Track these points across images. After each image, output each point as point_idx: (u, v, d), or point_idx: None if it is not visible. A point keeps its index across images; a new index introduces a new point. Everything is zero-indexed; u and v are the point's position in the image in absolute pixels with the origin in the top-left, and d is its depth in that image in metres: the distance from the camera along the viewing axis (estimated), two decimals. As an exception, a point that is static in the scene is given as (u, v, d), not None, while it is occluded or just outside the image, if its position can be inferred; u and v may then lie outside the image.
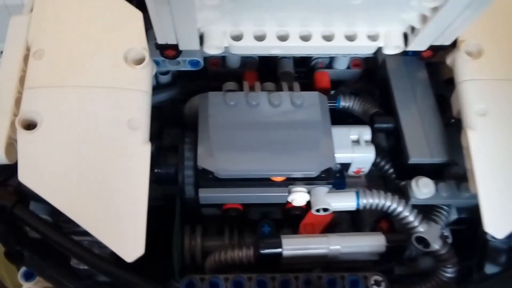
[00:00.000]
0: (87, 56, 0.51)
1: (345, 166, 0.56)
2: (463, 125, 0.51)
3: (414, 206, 0.53)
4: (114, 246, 0.44)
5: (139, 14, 0.52)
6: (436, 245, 0.52)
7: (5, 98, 0.48)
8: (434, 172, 0.54)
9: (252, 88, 0.57)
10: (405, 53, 0.55)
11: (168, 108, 0.65)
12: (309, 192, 0.53)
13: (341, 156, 0.54)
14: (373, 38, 0.53)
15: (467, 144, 0.50)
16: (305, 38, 0.53)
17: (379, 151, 0.56)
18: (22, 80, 0.50)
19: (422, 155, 0.54)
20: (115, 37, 0.52)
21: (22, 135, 0.47)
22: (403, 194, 0.54)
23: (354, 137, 0.55)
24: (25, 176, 0.45)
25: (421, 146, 0.54)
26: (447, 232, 0.57)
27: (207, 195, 0.53)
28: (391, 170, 0.59)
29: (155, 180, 0.53)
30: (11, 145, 0.47)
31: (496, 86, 0.52)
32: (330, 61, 0.64)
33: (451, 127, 0.56)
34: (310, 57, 0.64)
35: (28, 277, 0.52)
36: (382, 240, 0.53)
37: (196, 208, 0.56)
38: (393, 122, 0.56)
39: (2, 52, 0.52)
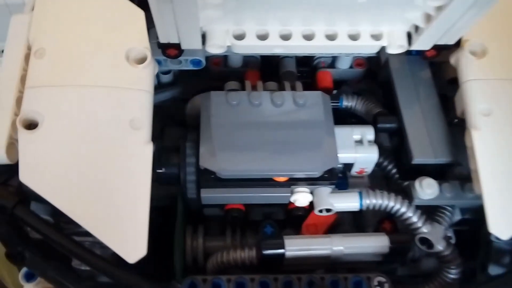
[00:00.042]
0: (89, 55, 0.50)
1: (348, 166, 0.56)
2: (467, 125, 0.51)
3: (418, 207, 0.53)
4: (116, 247, 0.43)
5: (141, 13, 0.52)
6: (439, 246, 0.52)
7: (6, 97, 0.48)
8: (438, 172, 0.54)
9: (254, 88, 0.56)
10: (408, 53, 0.55)
11: (169, 107, 0.64)
12: (311, 193, 0.53)
13: (344, 156, 0.53)
14: (376, 37, 0.53)
15: (471, 144, 0.49)
16: (308, 37, 0.52)
17: (382, 151, 0.56)
18: (23, 79, 0.49)
19: (426, 155, 0.53)
20: (116, 36, 0.51)
21: (23, 135, 0.46)
22: (406, 194, 0.54)
23: (357, 137, 0.55)
24: (26, 176, 0.45)
25: (425, 146, 0.54)
26: (450, 233, 0.57)
27: (209, 195, 0.53)
28: (394, 170, 0.58)
29: (156, 180, 0.53)
30: (12, 145, 0.47)
31: (500, 86, 0.52)
32: (333, 61, 0.64)
33: (455, 127, 0.56)
34: (313, 57, 0.64)
35: (29, 277, 0.52)
36: (385, 241, 0.53)
37: (198, 208, 0.56)
38: (396, 122, 0.56)
39: (3, 51, 0.52)
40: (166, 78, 0.64)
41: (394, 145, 0.60)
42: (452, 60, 0.54)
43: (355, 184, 0.58)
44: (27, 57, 0.51)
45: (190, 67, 0.58)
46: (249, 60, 0.63)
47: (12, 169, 0.46)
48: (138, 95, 0.49)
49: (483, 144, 0.49)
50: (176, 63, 0.57)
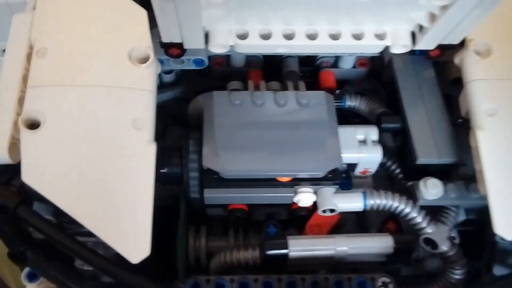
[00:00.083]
0: (91, 54, 0.50)
1: (352, 166, 0.56)
2: (472, 125, 0.50)
3: (422, 207, 0.53)
4: (119, 247, 0.43)
5: (143, 12, 0.52)
6: (444, 247, 0.52)
7: (8, 97, 0.48)
8: (442, 172, 0.54)
9: (257, 88, 0.56)
10: (412, 52, 0.55)
11: (171, 107, 0.64)
12: (315, 193, 0.53)
13: (347, 156, 0.53)
14: (380, 37, 0.53)
15: (476, 145, 0.49)
16: (312, 36, 0.52)
17: (385, 151, 0.55)
18: (25, 79, 0.49)
19: (430, 156, 0.53)
20: (119, 35, 0.51)
21: (25, 135, 0.46)
22: (410, 194, 0.53)
23: (360, 137, 0.55)
24: (28, 176, 0.45)
25: (429, 146, 0.53)
26: (454, 233, 0.56)
27: (212, 195, 0.53)
28: (398, 171, 0.58)
29: (158, 180, 0.53)
30: (14, 145, 0.46)
31: (505, 86, 0.51)
32: (336, 60, 0.64)
33: (458, 127, 0.55)
34: (315, 56, 0.64)
35: (31, 278, 0.52)
36: (390, 241, 0.53)
37: (200, 208, 0.56)
38: (400, 122, 0.56)
39: (4, 51, 0.52)
40: (168, 78, 0.64)
41: (397, 145, 0.60)
42: (457, 60, 0.54)
43: (358, 184, 0.57)
44: (29, 57, 0.50)
45: (193, 67, 0.58)
46: (251, 60, 0.63)
47: (14, 169, 0.46)
48: (141, 95, 0.49)
49: (488, 144, 0.48)
50: (178, 62, 0.57)
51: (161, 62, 0.55)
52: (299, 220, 0.57)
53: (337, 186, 0.53)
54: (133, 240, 0.44)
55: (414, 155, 0.53)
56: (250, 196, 0.53)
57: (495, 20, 0.53)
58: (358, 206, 0.53)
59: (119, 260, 0.44)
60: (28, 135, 0.46)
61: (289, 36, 0.52)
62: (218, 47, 0.52)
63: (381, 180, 0.60)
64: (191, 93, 0.61)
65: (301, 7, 0.49)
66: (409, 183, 0.55)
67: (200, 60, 0.56)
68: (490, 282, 0.51)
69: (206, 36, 0.52)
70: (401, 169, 0.58)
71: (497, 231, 0.46)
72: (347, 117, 0.59)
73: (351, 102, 0.60)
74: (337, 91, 0.63)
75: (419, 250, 0.55)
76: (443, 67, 0.60)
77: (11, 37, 0.52)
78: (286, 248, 0.51)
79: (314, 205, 0.54)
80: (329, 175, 0.52)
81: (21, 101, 0.48)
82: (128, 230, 0.44)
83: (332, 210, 0.53)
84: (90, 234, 0.44)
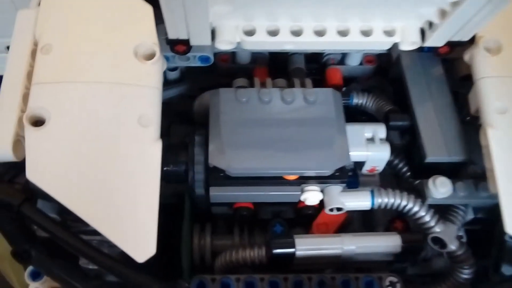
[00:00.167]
0: (96, 51, 0.49)
1: (359, 164, 0.55)
2: (483, 123, 0.50)
3: (430, 206, 0.52)
4: (125, 246, 0.43)
5: (149, 8, 0.51)
6: (453, 246, 0.51)
7: (12, 94, 0.47)
8: (451, 171, 0.53)
9: (263, 85, 0.56)
10: (420, 49, 0.54)
11: (175, 104, 0.64)
12: (322, 191, 0.52)
13: (355, 154, 0.53)
14: (389, 33, 0.52)
15: (486, 143, 0.48)
16: (320, 33, 0.51)
17: (392, 149, 0.55)
18: (29, 75, 0.48)
19: (439, 154, 0.52)
20: (125, 31, 0.50)
21: (30, 132, 0.46)
22: (418, 193, 0.53)
23: (368, 134, 0.54)
24: (33, 174, 0.44)
25: (438, 144, 0.53)
26: (461, 232, 0.56)
27: (218, 193, 0.52)
28: (405, 169, 0.57)
29: (163, 178, 0.52)
30: (19, 142, 0.46)
31: (515, 84, 0.51)
32: (342, 57, 0.63)
33: (467, 125, 0.55)
34: (322, 53, 0.63)
35: (35, 276, 0.52)
36: (398, 240, 0.52)
37: (206, 206, 0.55)
38: (408, 119, 0.55)
39: (8, 47, 0.51)
40: (173, 75, 0.63)
41: (404, 143, 0.59)
42: (466, 57, 0.53)
43: (365, 182, 0.57)
44: (33, 53, 0.50)
45: (198, 64, 0.57)
46: (257, 57, 0.62)
47: (18, 166, 0.46)
48: (147, 92, 0.48)
49: (499, 142, 0.48)
50: (184, 59, 0.56)
51: (167, 59, 0.55)
52: (305, 219, 0.56)
53: (344, 185, 0.52)
54: (139, 239, 0.43)
55: (422, 153, 0.53)
56: (256, 194, 0.52)
57: (506, 16, 0.52)
58: (366, 205, 0.52)
59: (124, 258, 0.44)
60: (33, 132, 0.45)
61: (296, 33, 0.51)
62: (224, 44, 0.52)
63: (387, 178, 0.59)
64: (196, 91, 0.61)
65: (309, 3, 0.49)
66: (417, 182, 0.55)
67: (206, 57, 0.56)
68: (500, 281, 0.51)
69: (213, 33, 0.51)
70: (408, 167, 0.57)
71: (508, 230, 0.46)
72: (353, 115, 0.58)
73: (358, 100, 0.60)
74: (344, 89, 0.62)
75: (427, 249, 0.55)
76: (451, 64, 0.59)
77: (16, 34, 0.51)
78: (293, 247, 0.51)
79: (321, 204, 0.53)
80: (337, 173, 0.51)
81: (25, 98, 0.47)
82: (134, 228, 0.44)
83: (339, 209, 0.52)
84: (95, 232, 0.44)
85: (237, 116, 0.52)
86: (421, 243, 0.53)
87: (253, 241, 0.56)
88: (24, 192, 0.46)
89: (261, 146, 0.50)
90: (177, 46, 0.52)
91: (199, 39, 0.50)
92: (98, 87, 0.48)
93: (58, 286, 0.50)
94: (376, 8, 0.49)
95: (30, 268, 0.52)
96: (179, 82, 0.64)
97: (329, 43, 0.52)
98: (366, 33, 0.52)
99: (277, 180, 0.51)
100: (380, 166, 0.55)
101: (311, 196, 0.52)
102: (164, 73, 0.60)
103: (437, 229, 0.51)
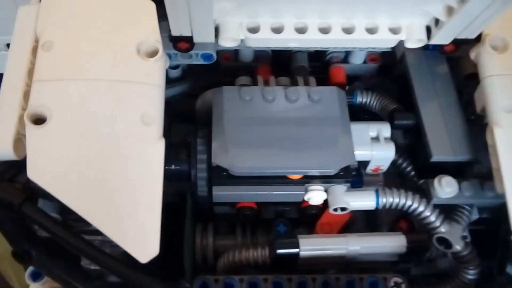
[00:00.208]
0: (98, 48, 0.49)
1: (363, 163, 0.54)
2: (489, 122, 0.49)
3: (435, 206, 0.52)
4: (128, 246, 0.42)
5: (152, 5, 0.50)
6: (458, 246, 0.51)
7: (13, 91, 0.46)
8: (456, 170, 0.53)
9: (266, 83, 0.55)
10: (425, 47, 0.54)
11: (178, 103, 0.63)
12: (326, 191, 0.52)
13: (360, 154, 0.52)
14: (394, 31, 0.51)
15: (493, 142, 0.48)
16: (324, 30, 0.51)
17: (396, 149, 0.54)
18: (30, 72, 0.48)
19: (445, 153, 0.52)
20: (127, 28, 0.50)
21: (31, 130, 0.45)
22: (423, 193, 0.52)
23: (373, 133, 0.53)
24: (34, 173, 0.43)
25: (444, 143, 0.52)
26: (465, 232, 0.55)
27: (221, 193, 0.51)
28: (409, 168, 0.57)
29: (165, 177, 0.52)
30: (20, 141, 0.45)
31: (522, 82, 0.50)
32: (346, 56, 0.63)
33: (472, 123, 0.54)
34: (325, 52, 0.63)
35: (35, 277, 0.51)
36: (403, 240, 0.52)
37: (208, 206, 0.55)
38: (413, 118, 0.55)
39: (8, 45, 0.51)
40: (174, 73, 0.63)
41: (409, 143, 0.59)
42: (472, 55, 0.53)
43: (369, 182, 0.56)
44: (34, 50, 0.49)
45: (201, 62, 0.56)
46: (260, 55, 0.61)
47: (19, 165, 0.45)
48: (150, 90, 0.48)
49: (505, 141, 0.47)
50: (186, 57, 0.55)
51: (169, 56, 0.54)
52: (309, 219, 0.56)
53: (348, 184, 0.52)
54: (142, 239, 0.43)
55: (428, 153, 0.52)
56: (260, 194, 0.52)
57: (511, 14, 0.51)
58: (370, 205, 0.52)
59: (125, 259, 0.43)
60: (34, 130, 0.45)
61: (301, 30, 0.51)
62: (228, 41, 0.51)
63: (391, 178, 0.59)
64: (198, 89, 0.61)
65: (313, 0, 0.48)
66: (421, 181, 0.54)
67: (208, 54, 0.55)
68: (507, 282, 0.50)
69: (216, 30, 0.50)
70: (412, 166, 0.57)
71: (515, 230, 0.46)
72: (356, 113, 0.58)
73: (362, 98, 0.59)
74: (347, 87, 0.61)
75: (432, 250, 0.54)
76: (456, 63, 0.59)
77: (16, 30, 0.50)
78: (297, 247, 0.51)
79: (325, 203, 0.53)
80: (341, 173, 0.50)
81: (26, 95, 0.47)
82: (137, 228, 0.43)
83: (343, 209, 0.52)
84: (97, 232, 0.43)
85: (240, 114, 0.51)
86: (426, 244, 0.52)
87: (255, 241, 0.56)
88: (25, 191, 0.46)
89: (265, 145, 0.50)
90: (180, 43, 0.51)
91: (203, 36, 0.49)
92: (100, 85, 0.47)
93: (59, 286, 0.49)
94: (381, 5, 0.49)
95: (30, 268, 0.51)
96: (180, 81, 0.63)
97: (334, 41, 0.52)
98: (371, 31, 0.51)
99: (281, 180, 0.51)
100: (385, 166, 0.55)
101: (315, 195, 0.51)
102: (166, 71, 0.60)
103: (442, 229, 0.51)
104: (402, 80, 0.58)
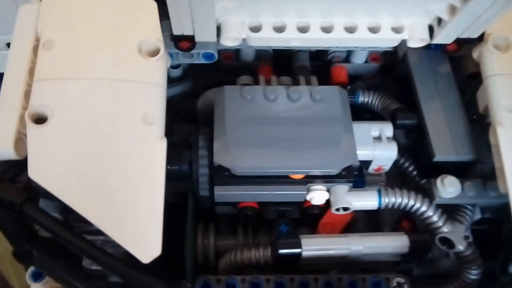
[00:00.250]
0: (99, 47, 0.48)
1: (366, 163, 0.54)
2: (492, 122, 0.49)
3: (438, 206, 0.51)
4: (130, 246, 0.42)
5: (153, 4, 0.50)
6: (461, 246, 0.51)
7: (14, 90, 0.46)
8: (458, 170, 0.52)
9: (268, 82, 0.55)
10: (427, 47, 0.53)
11: (178, 102, 0.63)
12: (328, 190, 0.51)
13: (362, 153, 0.52)
14: (397, 30, 0.51)
15: (496, 142, 0.48)
16: (327, 29, 0.51)
17: (399, 148, 0.54)
18: (31, 72, 0.47)
19: (448, 153, 0.52)
20: (128, 27, 0.49)
21: (32, 130, 0.44)
22: (425, 192, 0.52)
23: (375, 133, 0.53)
24: (35, 172, 0.43)
25: (446, 143, 0.52)
26: (468, 232, 0.55)
27: (223, 192, 0.51)
28: (412, 168, 0.57)
29: (166, 177, 0.51)
30: (21, 140, 0.45)
31: (525, 81, 0.50)
32: (347, 55, 0.63)
33: (474, 123, 0.54)
34: (326, 51, 0.62)
35: (36, 277, 0.51)
36: (405, 240, 0.51)
37: (209, 206, 0.55)
38: (416, 118, 0.55)
39: (9, 45, 0.50)
40: (175, 73, 0.62)
41: (411, 142, 0.59)
42: (475, 54, 0.53)
43: (371, 182, 0.56)
44: (35, 49, 0.49)
45: (202, 61, 0.56)
46: (261, 54, 0.61)
47: (20, 164, 0.45)
48: (151, 89, 0.47)
49: (508, 141, 0.47)
50: (187, 56, 0.55)
51: (170, 56, 0.54)
52: (311, 219, 0.55)
53: (351, 184, 0.51)
54: (144, 239, 0.42)
55: (430, 152, 0.52)
56: (262, 193, 0.52)
57: (514, 13, 0.51)
58: (373, 205, 0.52)
59: (127, 259, 0.43)
60: (35, 130, 0.44)
61: (303, 29, 0.51)
62: (230, 40, 0.51)
63: (393, 178, 0.59)
64: (199, 88, 0.60)
65: (316, -1, 0.48)
66: (424, 181, 0.54)
67: (210, 54, 0.55)
68: (510, 282, 0.50)
69: (218, 29, 0.50)
70: (414, 166, 0.57)
71: (518, 230, 0.45)
72: (358, 113, 0.58)
73: (364, 98, 0.59)
74: (348, 87, 0.61)
75: (434, 250, 0.54)
76: (458, 62, 0.58)
77: (17, 29, 0.50)
78: (299, 247, 0.50)
79: (327, 203, 0.52)
80: (343, 173, 0.50)
81: (27, 94, 0.46)
82: (138, 228, 0.43)
83: (345, 209, 0.52)
84: (98, 232, 0.43)
85: (242, 114, 0.51)
86: (429, 244, 0.52)
87: (257, 241, 0.55)
88: (26, 191, 0.45)
89: (266, 144, 0.50)
90: (181, 43, 0.51)
91: (205, 35, 0.49)
92: (101, 84, 0.47)
93: (60, 287, 0.49)
94: (384, 4, 0.48)
95: (31, 268, 0.51)
96: (181, 80, 0.63)
97: (336, 40, 0.51)
98: (373, 30, 0.51)
99: (283, 179, 0.51)
100: (387, 165, 0.54)
101: (317, 195, 0.51)
102: (167, 71, 0.59)
103: (445, 229, 0.51)
104: (404, 79, 0.58)
